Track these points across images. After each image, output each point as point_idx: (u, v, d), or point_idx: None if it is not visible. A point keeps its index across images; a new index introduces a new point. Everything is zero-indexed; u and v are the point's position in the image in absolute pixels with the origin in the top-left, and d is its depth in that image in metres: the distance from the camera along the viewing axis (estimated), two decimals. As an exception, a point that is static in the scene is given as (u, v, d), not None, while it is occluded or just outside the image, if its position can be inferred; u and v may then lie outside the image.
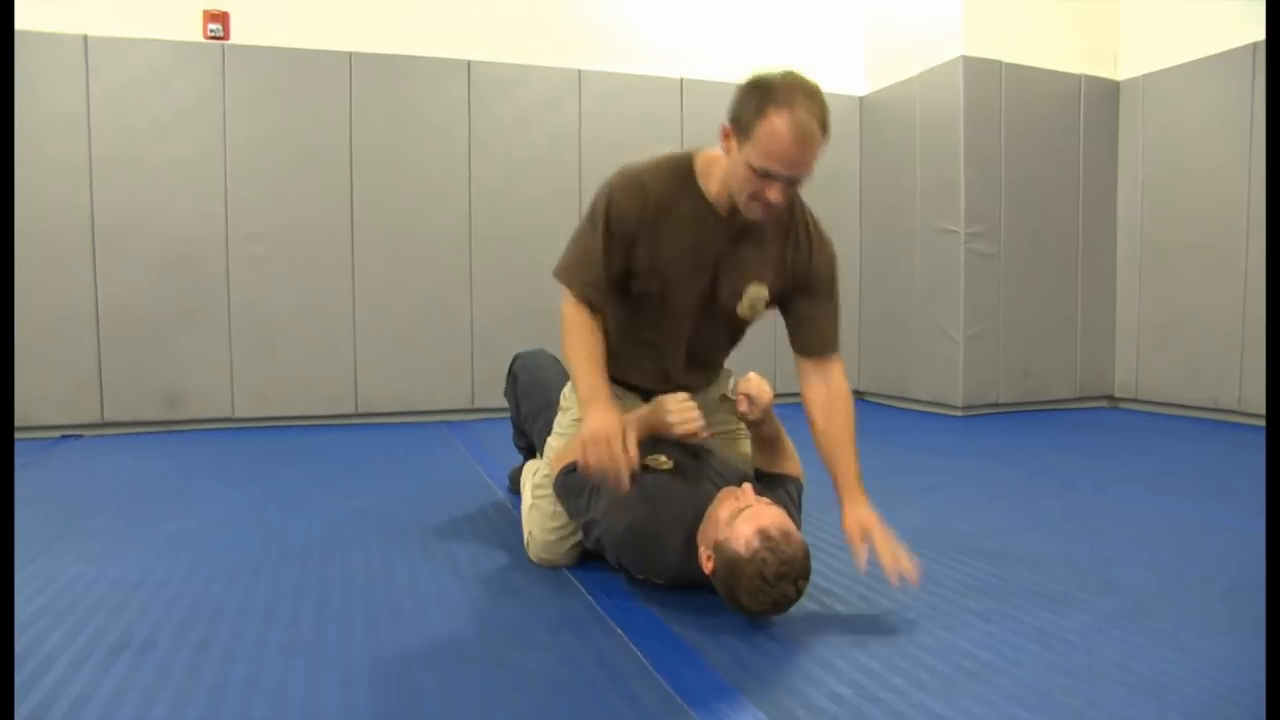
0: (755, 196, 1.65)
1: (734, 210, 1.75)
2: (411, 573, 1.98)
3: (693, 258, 1.82)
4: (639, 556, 1.77)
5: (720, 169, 1.75)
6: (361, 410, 4.34)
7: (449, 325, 4.45)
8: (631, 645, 1.58)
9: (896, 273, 4.95)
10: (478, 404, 4.43)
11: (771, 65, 1.63)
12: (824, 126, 1.58)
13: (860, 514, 1.74)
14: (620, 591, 1.84)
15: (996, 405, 4.68)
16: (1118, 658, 1.52)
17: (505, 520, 2.44)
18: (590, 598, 1.82)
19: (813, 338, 1.89)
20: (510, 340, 4.53)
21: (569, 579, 1.95)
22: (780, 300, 1.92)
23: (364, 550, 2.15)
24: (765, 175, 1.60)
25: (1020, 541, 2.24)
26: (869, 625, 1.68)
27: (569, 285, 1.84)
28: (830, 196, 5.16)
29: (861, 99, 5.20)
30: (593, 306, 1.83)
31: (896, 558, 1.66)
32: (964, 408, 4.59)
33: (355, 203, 4.26)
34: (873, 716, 1.31)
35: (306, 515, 2.49)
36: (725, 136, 1.65)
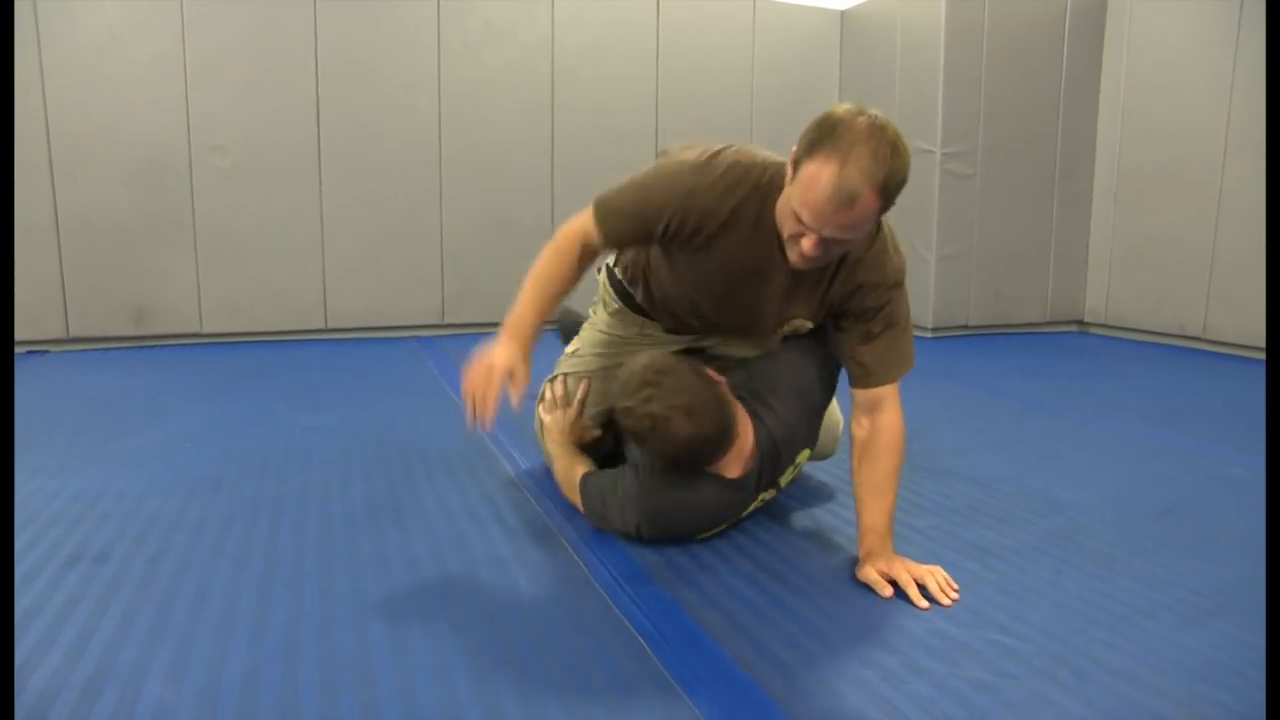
0: (793, 239, 1.46)
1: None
2: (369, 488, 2.01)
3: (739, 278, 1.64)
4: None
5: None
6: (331, 325, 4.32)
7: (419, 239, 4.41)
8: (592, 579, 1.61)
9: (872, 193, 4.90)
10: (448, 319, 4.42)
11: (854, 103, 1.40)
12: (880, 190, 1.33)
13: (879, 566, 1.51)
14: (570, 516, 1.88)
15: (966, 327, 4.72)
16: (1050, 575, 1.57)
17: (468, 435, 2.46)
18: (536, 504, 1.86)
19: (856, 368, 1.64)
20: (481, 255, 4.53)
21: (523, 492, 1.98)
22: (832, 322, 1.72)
23: (324, 465, 2.17)
24: (801, 222, 1.41)
25: (971, 461, 2.29)
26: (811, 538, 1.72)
27: (599, 222, 1.65)
28: (808, 114, 5.08)
29: (843, 13, 5.08)
30: (592, 253, 1.70)
31: (941, 589, 1.47)
32: (934, 329, 4.62)
33: (322, 114, 4.16)
34: (813, 623, 1.35)
35: (270, 431, 2.51)
36: (792, 166, 1.42)
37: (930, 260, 4.55)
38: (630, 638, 1.32)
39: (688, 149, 1.65)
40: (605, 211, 1.65)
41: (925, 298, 4.60)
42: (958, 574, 1.55)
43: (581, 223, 1.67)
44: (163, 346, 4.06)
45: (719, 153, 1.58)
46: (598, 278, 2.09)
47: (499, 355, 1.58)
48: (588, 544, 1.68)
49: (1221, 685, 1.21)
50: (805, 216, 1.38)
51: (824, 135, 1.35)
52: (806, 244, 1.42)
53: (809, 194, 1.36)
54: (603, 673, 1.22)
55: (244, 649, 1.26)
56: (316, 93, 4.15)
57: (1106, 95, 4.79)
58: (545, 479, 2.06)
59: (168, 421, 2.61)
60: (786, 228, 1.46)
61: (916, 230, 4.60)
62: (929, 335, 4.64)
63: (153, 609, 1.37)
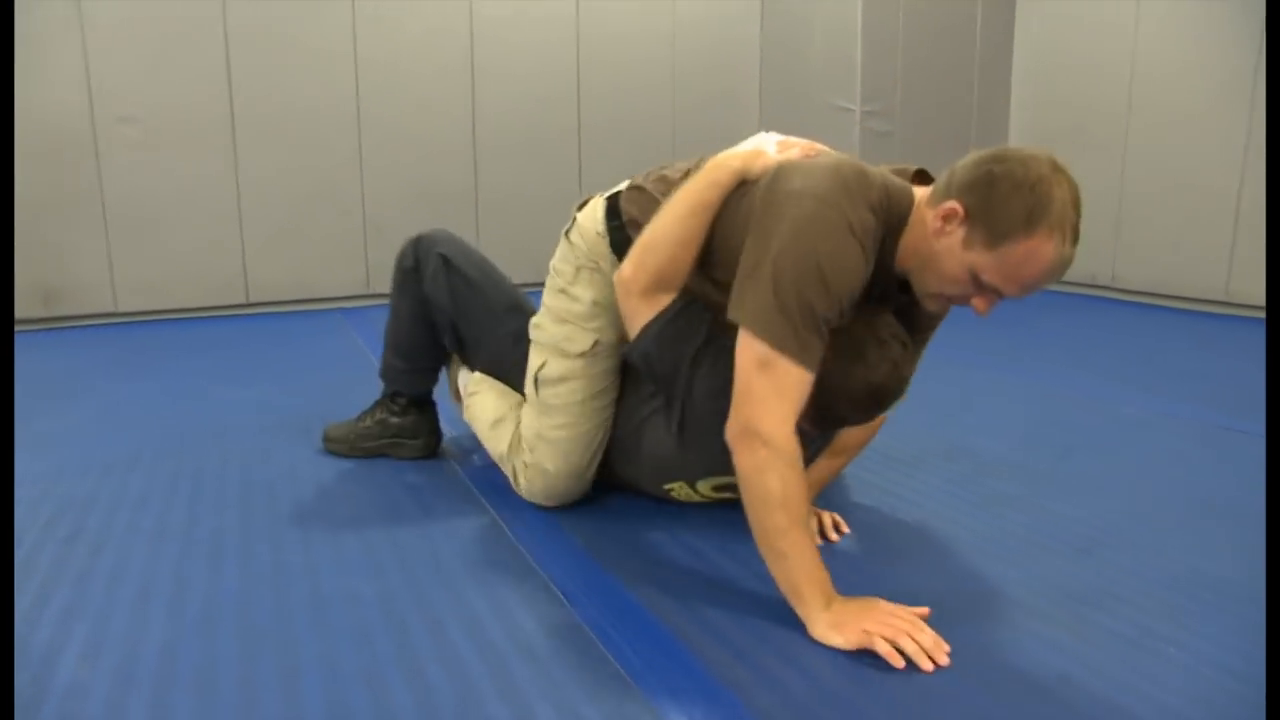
0: (954, 300, 1.33)
1: (906, 284, 1.39)
2: (291, 460, 2.00)
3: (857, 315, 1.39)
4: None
5: (917, 238, 1.31)
6: (253, 299, 4.23)
7: (340, 209, 4.32)
8: (520, 547, 1.64)
9: (795, 153, 4.96)
10: (373, 289, 4.36)
11: (1038, 150, 1.24)
12: None
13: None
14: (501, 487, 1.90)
15: (889, 283, 4.82)
16: (951, 514, 1.65)
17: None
18: (459, 468, 1.88)
19: None
20: (406, 223, 4.42)
21: (448, 460, 1.99)
22: None
23: (243, 440, 2.15)
24: (989, 290, 1.26)
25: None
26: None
27: (788, 351, 1.23)
28: (730, 74, 5.11)
29: (763, -28, 5.10)
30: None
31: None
32: (857, 286, 4.71)
33: (234, 81, 4.03)
34: (709, 568, 1.40)
35: (190, 408, 2.46)
36: (950, 218, 1.24)
37: (852, 218, 4.62)
38: (551, 592, 1.35)
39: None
40: (779, 337, 1.22)
41: (848, 255, 4.67)
42: (869, 518, 1.62)
43: (775, 385, 1.24)
44: (75, 328, 3.93)
45: (860, 189, 1.27)
46: (573, 239, 1.66)
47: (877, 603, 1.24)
48: (510, 507, 1.70)
49: (1104, 609, 1.29)
50: (1011, 290, 1.25)
51: (1042, 209, 1.18)
52: (982, 305, 1.28)
53: (1028, 270, 1.21)
54: (527, 629, 1.25)
55: (162, 623, 1.26)
56: (227, 59, 4.01)
57: (1019, 54, 4.91)
58: (469, 443, 2.08)
59: (83, 403, 2.55)
60: (951, 289, 1.29)
61: (839, 189, 4.66)
62: (853, 292, 4.72)
63: (67, 591, 1.36)
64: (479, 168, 4.53)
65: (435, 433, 2.05)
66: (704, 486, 1.57)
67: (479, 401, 1.86)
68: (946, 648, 1.16)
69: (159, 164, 3.96)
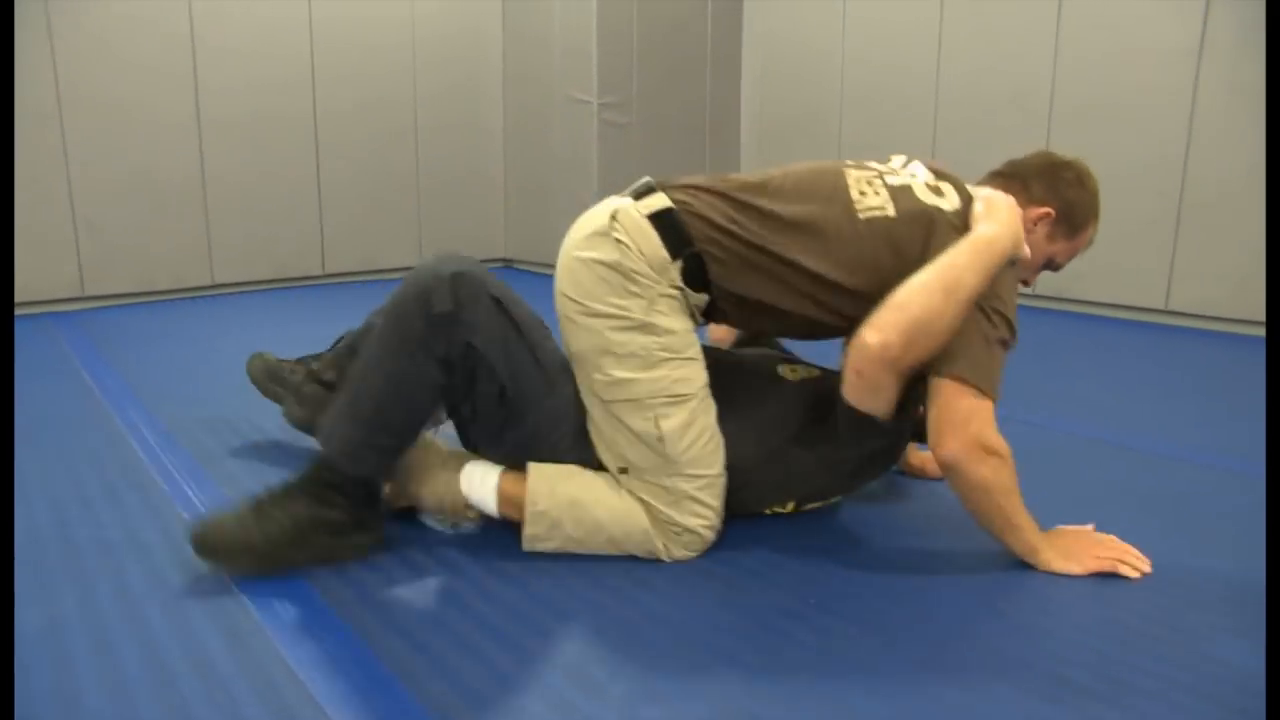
0: (1025, 282, 1.66)
1: None
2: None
3: None
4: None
5: None
6: (-59, 304, 3.81)
7: (43, 202, 3.95)
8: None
9: (538, 143, 5.07)
10: (88, 290, 4.04)
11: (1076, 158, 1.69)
12: None
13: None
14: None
15: (632, 269, 5.05)
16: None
17: (101, 433, 2.33)
18: (161, 481, 1.84)
19: None
20: (122, 215, 4.13)
21: (150, 474, 1.94)
22: None
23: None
24: (1052, 268, 1.69)
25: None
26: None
27: (993, 396, 1.44)
28: (472, 63, 5.12)
29: (501, -38, 5.13)
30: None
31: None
32: (601, 273, 4.90)
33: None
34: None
35: None
36: (1042, 219, 1.62)
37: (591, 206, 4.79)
38: (240, 603, 1.38)
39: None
40: (991, 389, 1.44)
41: (592, 243, 4.84)
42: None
43: (983, 417, 1.42)
44: None
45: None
46: (610, 249, 1.49)
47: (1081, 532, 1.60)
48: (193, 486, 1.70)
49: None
50: (1066, 261, 1.69)
51: (1095, 202, 1.65)
52: (1034, 279, 1.73)
53: (1081, 247, 1.68)
54: (200, 627, 1.27)
55: None
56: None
57: (749, 50, 5.26)
58: (177, 457, 2.03)
59: None
60: (1028, 275, 1.67)
61: (579, 179, 4.82)
62: (599, 278, 4.90)
63: None
64: (205, 155, 4.29)
65: (381, 520, 1.58)
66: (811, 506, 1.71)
67: (568, 493, 1.51)
68: (1149, 564, 1.50)
69: None
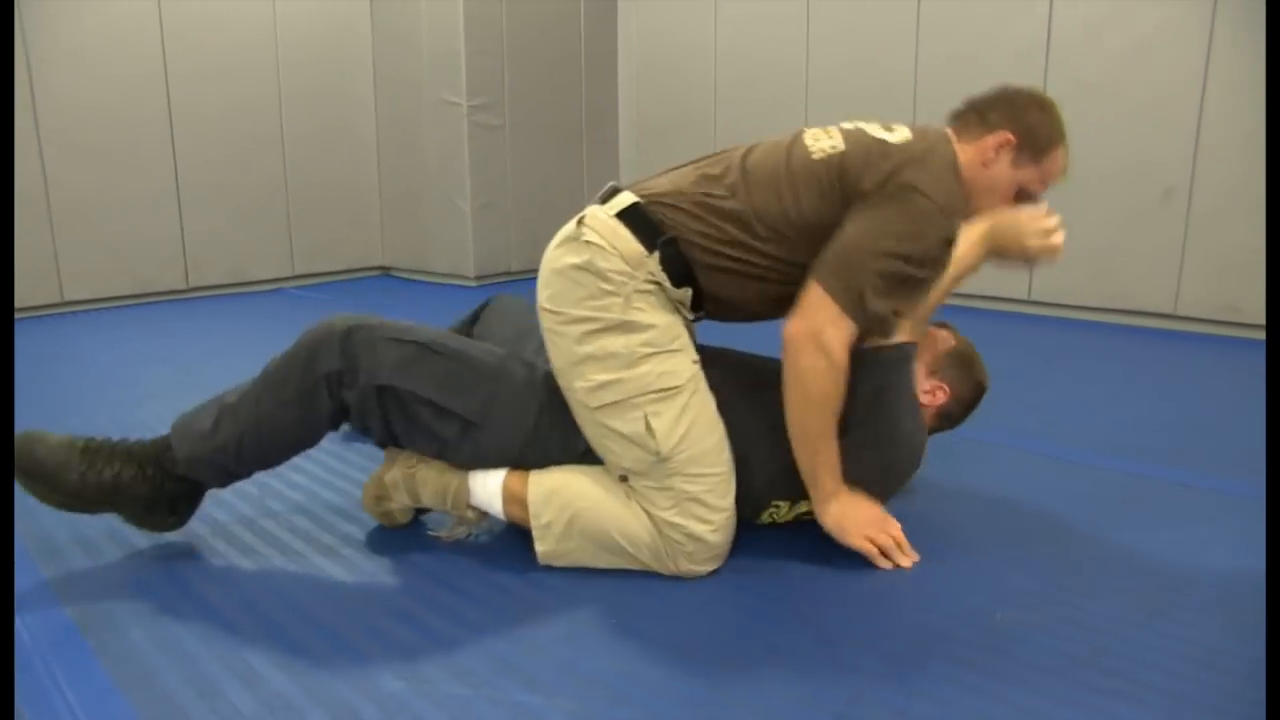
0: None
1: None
2: None
3: None
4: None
5: (971, 175, 1.55)
6: None
7: None
8: None
9: (412, 147, 4.95)
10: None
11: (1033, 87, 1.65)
12: None
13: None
14: None
15: (510, 273, 4.98)
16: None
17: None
18: None
19: None
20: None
21: None
22: None
23: None
24: (1026, 198, 1.59)
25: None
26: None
27: (884, 332, 1.52)
28: (341, 64, 4.96)
29: (366, -38, 4.99)
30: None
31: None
32: (477, 277, 4.83)
33: None
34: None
35: None
36: (1003, 147, 1.54)
37: (466, 210, 4.72)
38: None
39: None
40: (877, 317, 1.44)
41: (465, 248, 4.79)
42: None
43: (833, 337, 1.41)
44: None
45: (931, 166, 1.48)
46: (588, 246, 1.50)
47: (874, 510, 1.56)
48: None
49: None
50: (1041, 191, 1.60)
51: (1057, 126, 1.56)
52: (1011, 208, 1.63)
53: (1052, 175, 1.58)
54: None
55: None
56: None
57: (624, 50, 5.22)
58: None
59: None
60: (998, 203, 1.59)
61: (452, 183, 4.74)
62: (473, 284, 4.83)
63: None
64: (46, 164, 4.04)
65: (192, 510, 1.62)
66: (804, 506, 1.59)
67: (593, 501, 1.49)
68: (916, 557, 1.52)
69: None
